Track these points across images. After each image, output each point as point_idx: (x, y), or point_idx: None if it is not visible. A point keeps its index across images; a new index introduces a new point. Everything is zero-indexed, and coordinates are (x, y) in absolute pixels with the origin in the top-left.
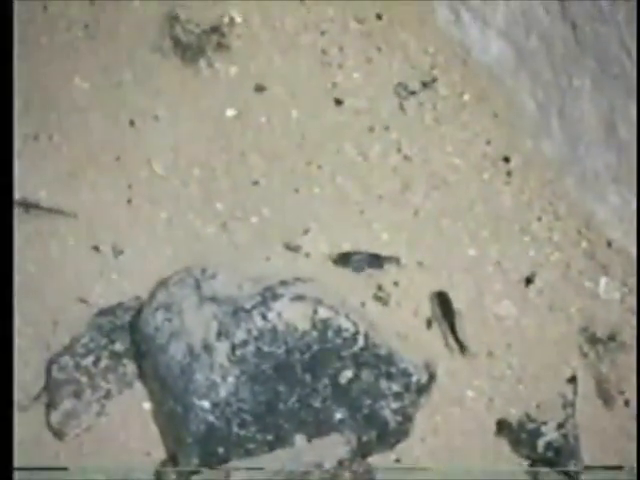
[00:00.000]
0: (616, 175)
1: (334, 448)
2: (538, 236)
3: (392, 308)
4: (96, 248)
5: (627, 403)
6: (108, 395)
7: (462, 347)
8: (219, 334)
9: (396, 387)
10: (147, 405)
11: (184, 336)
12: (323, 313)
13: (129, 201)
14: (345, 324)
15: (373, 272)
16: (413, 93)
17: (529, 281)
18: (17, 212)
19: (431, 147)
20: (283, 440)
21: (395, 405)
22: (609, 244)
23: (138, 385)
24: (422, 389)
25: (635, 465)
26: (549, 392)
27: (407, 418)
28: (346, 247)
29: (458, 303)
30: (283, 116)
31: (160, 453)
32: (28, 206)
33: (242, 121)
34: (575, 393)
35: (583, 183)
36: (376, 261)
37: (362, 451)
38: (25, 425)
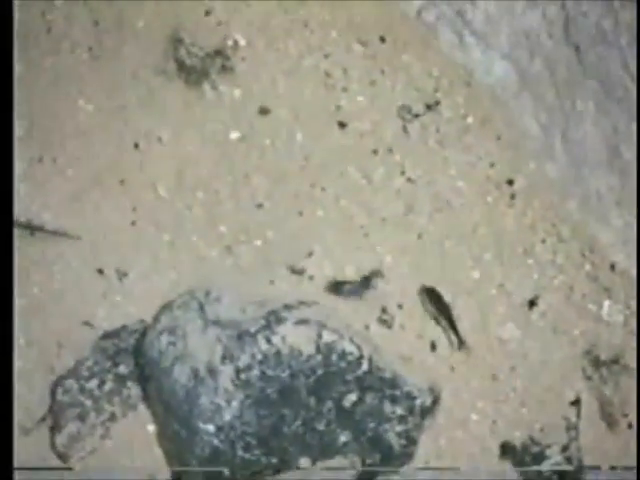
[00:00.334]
0: (619, 198)
1: (339, 471)
2: (541, 259)
3: (396, 331)
4: (100, 271)
5: (630, 426)
6: (112, 418)
7: (460, 341)
8: (223, 358)
9: (400, 410)
10: (151, 428)
11: (188, 359)
12: (327, 337)
13: (133, 223)
14: (349, 347)
15: (376, 294)
16: (417, 116)
17: (532, 304)
18: (21, 235)
19: (435, 170)
20: (288, 463)
21: (399, 428)
22: (612, 267)
23: (142, 408)
24: (426, 412)
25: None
26: (553, 415)
27: (411, 441)
28: (349, 270)
29: (461, 326)
30: (287, 139)
31: (165, 476)
32: (33, 229)
33: (246, 144)
34: (579, 416)
35: (586, 206)
36: (366, 283)
37: (366, 474)
38: (30, 448)
